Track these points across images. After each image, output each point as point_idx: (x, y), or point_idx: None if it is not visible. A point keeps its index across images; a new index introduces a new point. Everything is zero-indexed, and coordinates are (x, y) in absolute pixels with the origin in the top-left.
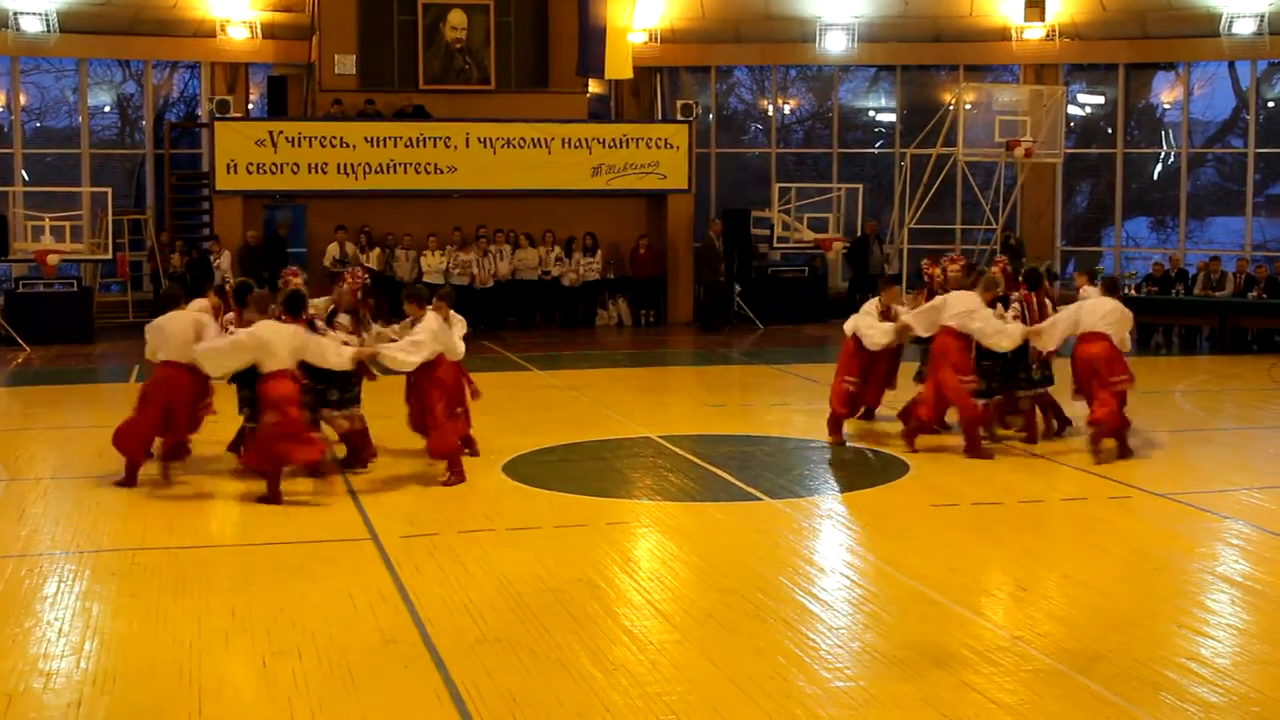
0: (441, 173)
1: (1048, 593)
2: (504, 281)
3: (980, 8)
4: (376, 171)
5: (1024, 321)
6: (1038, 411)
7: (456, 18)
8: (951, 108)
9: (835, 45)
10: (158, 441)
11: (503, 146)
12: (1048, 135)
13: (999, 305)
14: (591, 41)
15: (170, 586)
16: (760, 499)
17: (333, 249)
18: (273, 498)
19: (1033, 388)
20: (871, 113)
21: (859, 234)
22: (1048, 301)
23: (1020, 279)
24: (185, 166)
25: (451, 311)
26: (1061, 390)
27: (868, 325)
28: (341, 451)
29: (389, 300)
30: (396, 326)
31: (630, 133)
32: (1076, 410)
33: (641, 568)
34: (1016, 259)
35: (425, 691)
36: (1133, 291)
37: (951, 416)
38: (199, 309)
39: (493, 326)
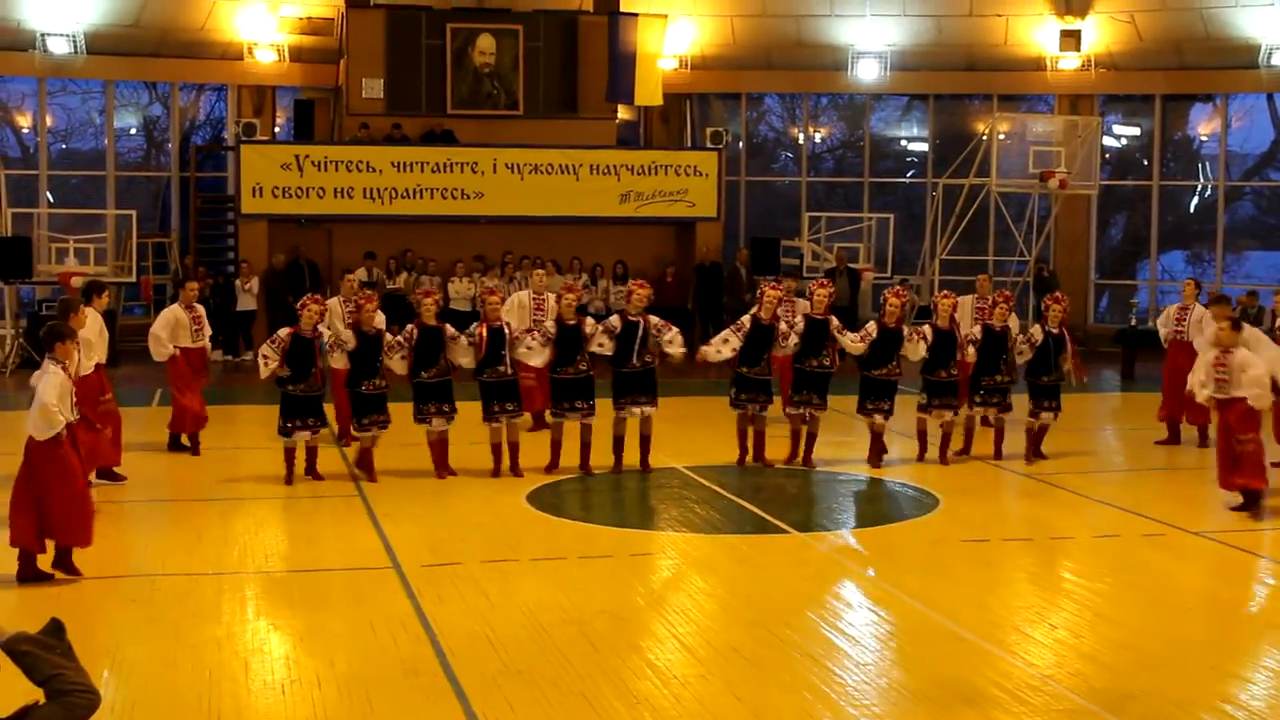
0: (468, 198)
1: (1079, 631)
2: None
3: (1015, 37)
4: (403, 196)
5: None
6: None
7: (485, 42)
8: (985, 137)
9: (867, 73)
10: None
11: (530, 172)
12: (1082, 166)
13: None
14: (621, 67)
15: (190, 613)
16: (787, 532)
17: (360, 273)
18: None
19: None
20: (903, 142)
21: (704, 263)
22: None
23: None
24: (210, 190)
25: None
26: None
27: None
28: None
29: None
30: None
31: (659, 160)
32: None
33: (666, 600)
34: (1049, 291)
35: None
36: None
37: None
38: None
39: None
